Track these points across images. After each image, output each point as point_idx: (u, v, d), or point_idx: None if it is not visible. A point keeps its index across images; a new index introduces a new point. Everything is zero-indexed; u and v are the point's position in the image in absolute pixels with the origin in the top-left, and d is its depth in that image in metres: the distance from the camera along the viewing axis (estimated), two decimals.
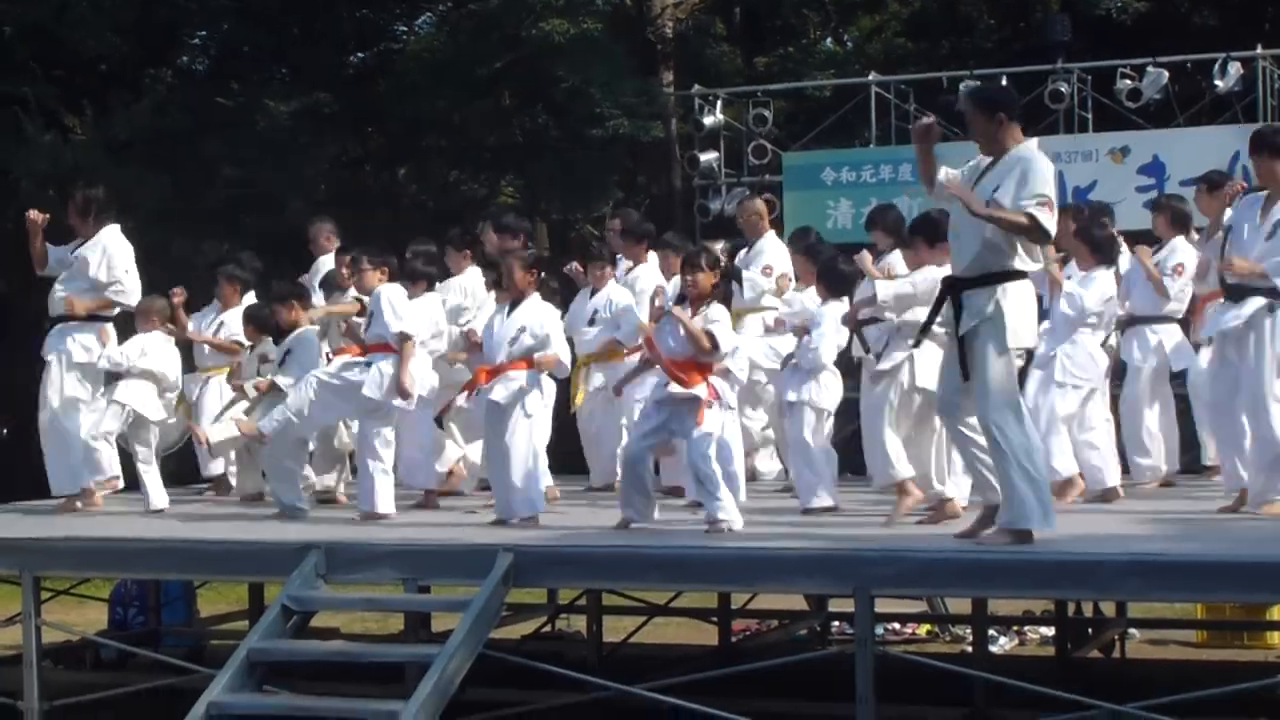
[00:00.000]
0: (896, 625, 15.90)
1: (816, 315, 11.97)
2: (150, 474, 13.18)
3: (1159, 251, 13.17)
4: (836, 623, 15.23)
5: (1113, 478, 12.23)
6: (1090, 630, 14.36)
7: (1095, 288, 12.14)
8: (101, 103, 25.21)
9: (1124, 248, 13.11)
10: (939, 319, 9.71)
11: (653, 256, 14.04)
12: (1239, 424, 10.95)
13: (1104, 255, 12.34)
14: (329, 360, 12.82)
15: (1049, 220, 9.15)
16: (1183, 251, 13.00)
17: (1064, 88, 19.63)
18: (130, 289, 13.37)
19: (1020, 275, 9.34)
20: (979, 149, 9.56)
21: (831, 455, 11.82)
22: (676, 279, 12.32)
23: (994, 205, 9.19)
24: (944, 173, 9.48)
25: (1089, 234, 12.36)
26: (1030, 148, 9.38)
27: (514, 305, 11.58)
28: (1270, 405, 10.62)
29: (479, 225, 14.86)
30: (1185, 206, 13.46)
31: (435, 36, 28.68)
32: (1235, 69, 19.06)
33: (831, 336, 11.78)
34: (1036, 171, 9.20)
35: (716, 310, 10.89)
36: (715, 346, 10.79)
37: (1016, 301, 9.30)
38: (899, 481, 10.89)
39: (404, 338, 11.96)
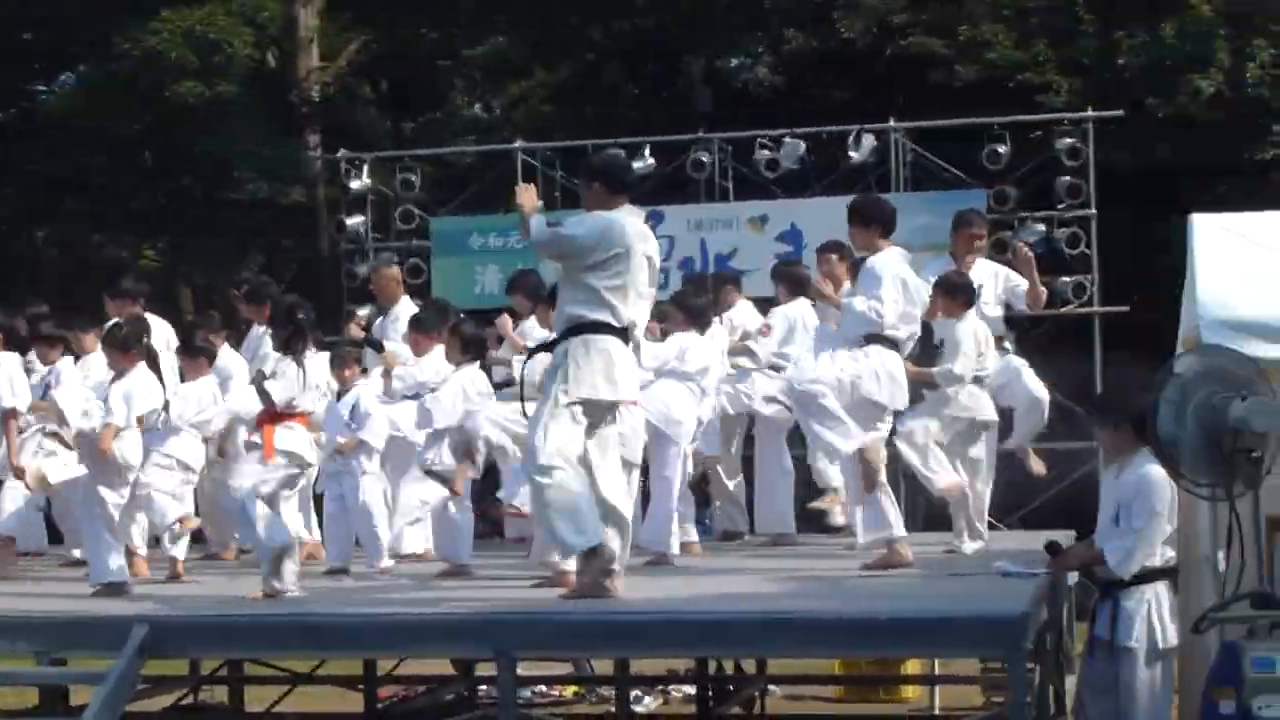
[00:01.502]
0: (543, 687, 15.95)
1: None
2: None
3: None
4: (484, 686, 15.20)
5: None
6: (731, 688, 14.59)
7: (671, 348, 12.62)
8: None
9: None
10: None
11: None
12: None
13: (697, 321, 12.84)
14: None
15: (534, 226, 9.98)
16: (777, 315, 13.64)
17: (705, 157, 19.97)
18: None
19: (596, 328, 9.75)
20: None
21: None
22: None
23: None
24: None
25: (684, 301, 12.95)
26: (613, 211, 9.94)
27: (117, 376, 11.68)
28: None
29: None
30: (801, 272, 14.00)
31: (75, 96, 28.15)
32: (869, 140, 19.61)
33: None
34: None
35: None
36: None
37: (584, 354, 9.70)
38: None
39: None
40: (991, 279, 13.16)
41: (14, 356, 12.10)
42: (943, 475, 11.70)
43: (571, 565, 10.07)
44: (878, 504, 11.03)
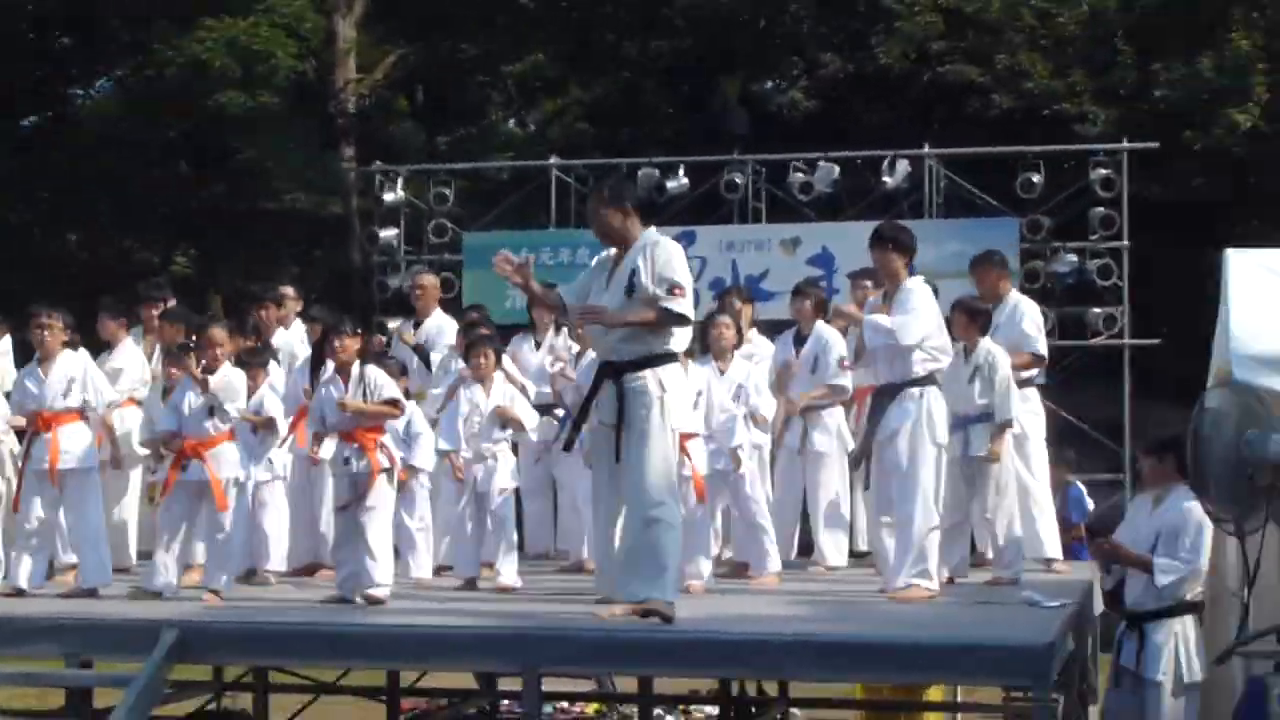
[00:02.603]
0: (565, 704, 15.94)
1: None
2: None
3: (807, 343, 13.56)
4: (506, 701, 15.21)
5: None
6: (753, 709, 14.57)
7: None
8: None
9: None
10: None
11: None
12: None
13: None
14: None
15: (682, 305, 9.41)
16: (838, 342, 13.45)
17: (739, 178, 20.04)
18: None
19: (673, 358, 9.58)
20: (601, 241, 9.84)
21: None
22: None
23: (629, 307, 9.48)
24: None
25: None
26: (654, 234, 9.64)
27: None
28: (915, 490, 10.89)
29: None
30: (824, 293, 14.05)
31: (111, 102, 28.26)
32: (903, 166, 19.65)
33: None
34: (667, 258, 9.47)
35: (371, 371, 11.05)
36: (397, 404, 11.07)
37: (673, 385, 9.53)
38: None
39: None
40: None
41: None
42: None
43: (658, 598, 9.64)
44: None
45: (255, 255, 26.70)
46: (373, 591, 10.71)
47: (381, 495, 10.89)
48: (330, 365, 11.36)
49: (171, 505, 11.56)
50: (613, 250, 9.72)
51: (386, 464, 10.94)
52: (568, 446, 10.14)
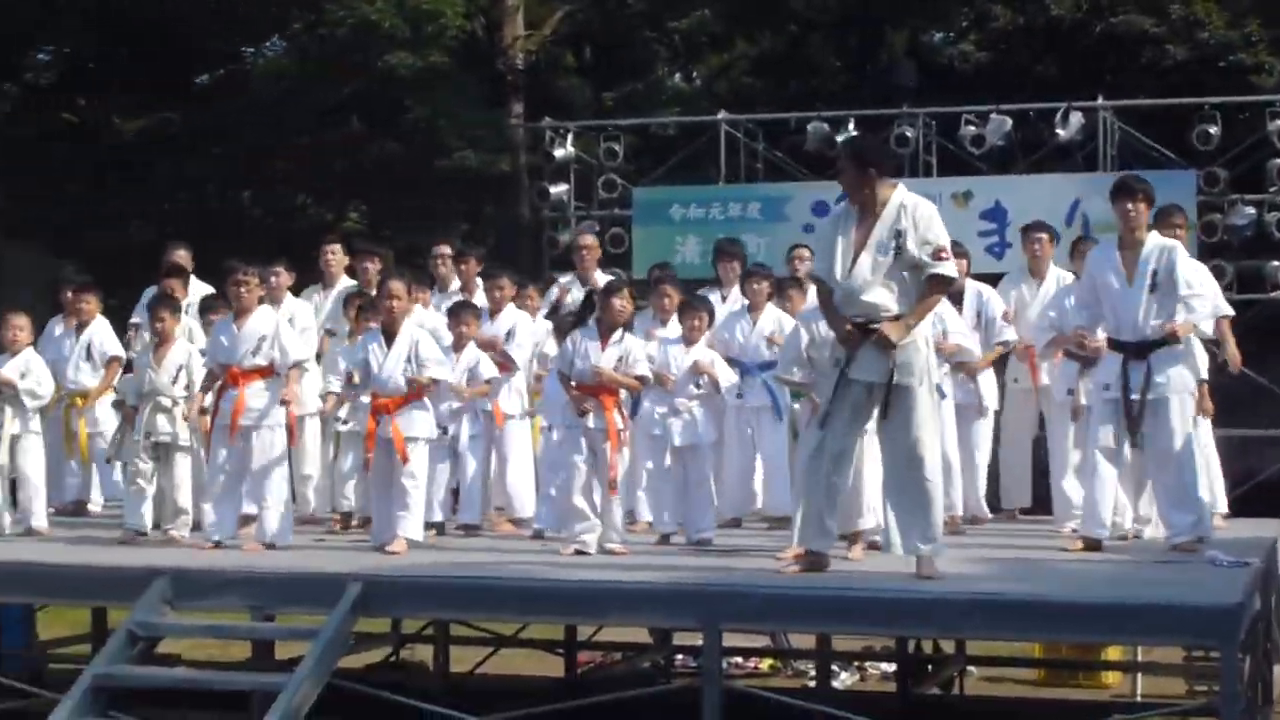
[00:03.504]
0: (740, 659, 15.99)
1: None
2: None
3: (965, 300, 13.46)
4: (680, 656, 15.30)
5: None
6: (930, 667, 14.55)
7: None
8: None
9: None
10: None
11: None
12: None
13: None
14: None
15: (949, 268, 9.60)
16: (997, 298, 13.70)
17: (909, 132, 19.84)
18: None
19: None
20: (850, 198, 9.81)
21: None
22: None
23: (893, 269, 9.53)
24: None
25: None
26: (906, 192, 9.70)
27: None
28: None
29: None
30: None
31: (283, 60, 28.54)
32: (1076, 118, 19.37)
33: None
34: (928, 221, 9.56)
35: (632, 342, 11.49)
36: (644, 380, 11.54)
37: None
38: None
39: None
40: None
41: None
42: None
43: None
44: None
45: (425, 212, 26.85)
46: (613, 546, 11.16)
47: (625, 456, 11.34)
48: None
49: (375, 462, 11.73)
50: (847, 205, 9.80)
51: (621, 425, 11.24)
52: (885, 413, 9.71)
